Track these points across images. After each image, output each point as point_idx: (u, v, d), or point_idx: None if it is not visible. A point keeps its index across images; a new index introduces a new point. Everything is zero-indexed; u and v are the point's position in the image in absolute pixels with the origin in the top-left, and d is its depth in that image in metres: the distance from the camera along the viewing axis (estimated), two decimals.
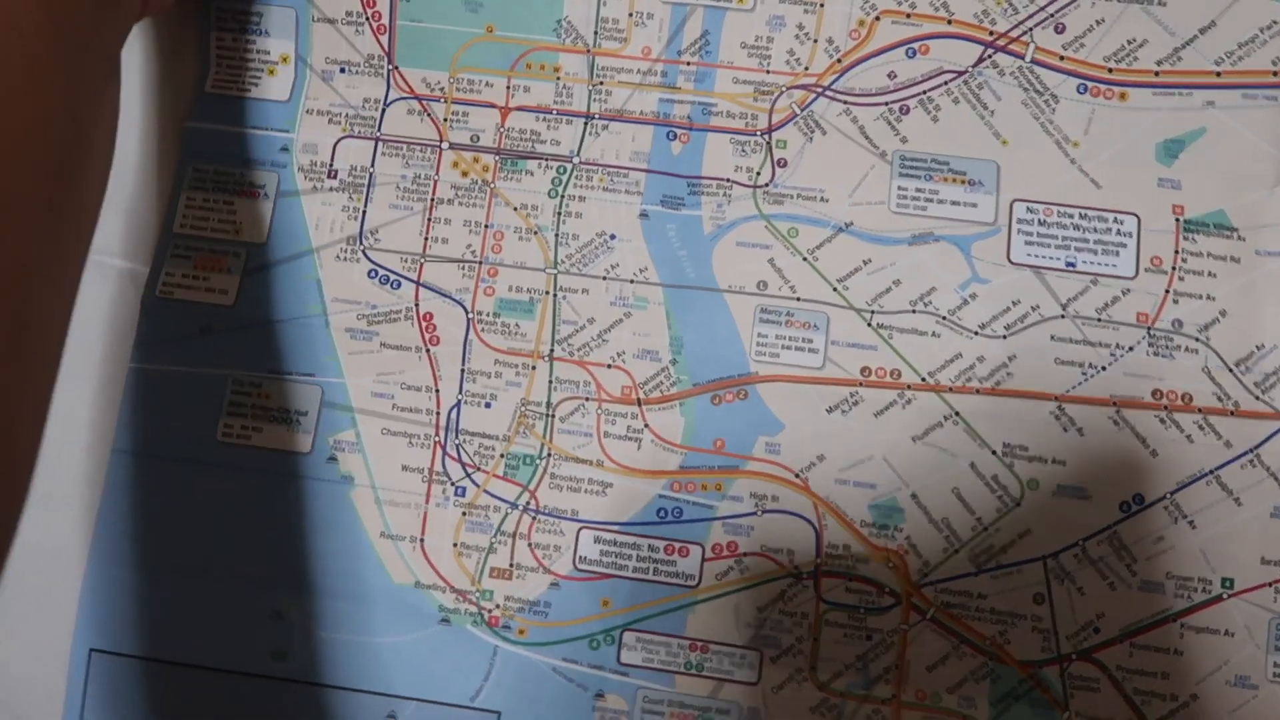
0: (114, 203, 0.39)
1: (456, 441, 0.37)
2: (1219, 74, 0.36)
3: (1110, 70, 0.36)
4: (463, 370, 0.37)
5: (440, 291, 0.38)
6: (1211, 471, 0.35)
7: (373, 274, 0.38)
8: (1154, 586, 0.35)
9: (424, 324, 0.37)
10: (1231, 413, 0.35)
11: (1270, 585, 0.35)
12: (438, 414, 0.37)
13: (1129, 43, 0.36)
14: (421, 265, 0.38)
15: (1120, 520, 0.35)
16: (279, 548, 0.37)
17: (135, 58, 0.39)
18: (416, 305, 0.38)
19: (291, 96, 0.39)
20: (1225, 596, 0.35)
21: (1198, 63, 0.36)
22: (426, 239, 0.38)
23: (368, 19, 0.38)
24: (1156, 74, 0.36)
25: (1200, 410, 0.35)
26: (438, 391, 0.37)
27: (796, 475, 0.36)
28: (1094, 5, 0.36)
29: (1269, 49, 0.35)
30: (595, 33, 0.38)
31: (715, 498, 0.36)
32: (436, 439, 0.37)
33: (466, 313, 0.37)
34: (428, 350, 0.37)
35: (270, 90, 0.39)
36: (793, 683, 0.36)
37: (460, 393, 0.37)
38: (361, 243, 0.38)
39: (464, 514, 0.37)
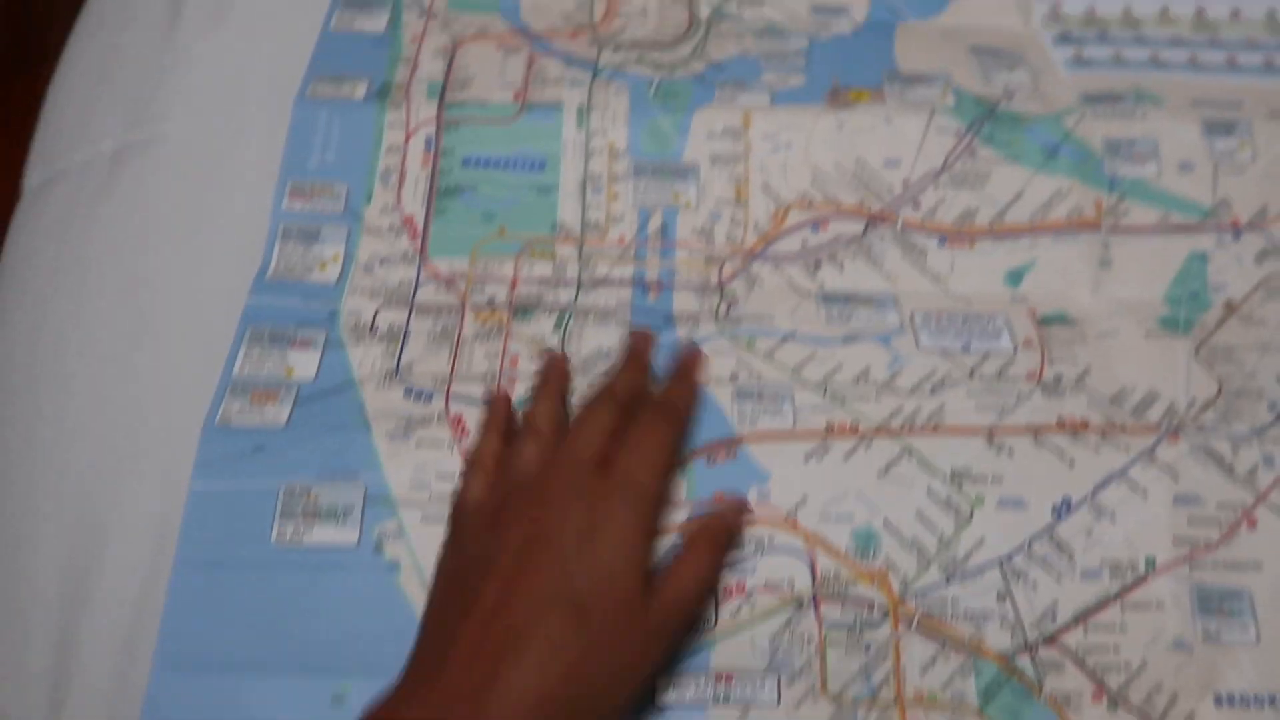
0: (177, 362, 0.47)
1: None
2: (1034, 225, 0.50)
3: (958, 228, 0.51)
4: None
5: (468, 399, 0.45)
6: (1120, 472, 0.43)
7: (407, 393, 0.45)
8: (1093, 574, 0.41)
9: (454, 424, 0.44)
10: (1123, 429, 0.44)
11: (1185, 561, 0.42)
12: None
13: (967, 210, 0.51)
14: (450, 383, 0.46)
15: (1055, 522, 0.42)
16: (335, 635, 0.40)
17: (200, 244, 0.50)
18: (447, 408, 0.45)
19: (339, 281, 0.49)
20: (1150, 575, 0.41)
21: (1018, 218, 0.51)
22: (454, 366, 0.46)
23: (405, 228, 0.50)
24: (991, 228, 0.51)
25: (1098, 429, 0.44)
26: None
27: (786, 516, 0.42)
28: (937, 188, 0.51)
29: (1062, 206, 0.51)
30: (582, 230, 0.51)
31: None
32: None
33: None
34: (458, 443, 0.44)
35: (321, 277, 0.49)
36: (809, 699, 0.39)
37: None
38: (398, 374, 0.46)
39: None
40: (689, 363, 0.45)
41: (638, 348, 0.45)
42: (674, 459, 0.41)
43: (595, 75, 0.55)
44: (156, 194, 0.52)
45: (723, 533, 0.39)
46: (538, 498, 0.37)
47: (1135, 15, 0.59)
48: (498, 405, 0.43)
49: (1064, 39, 0.57)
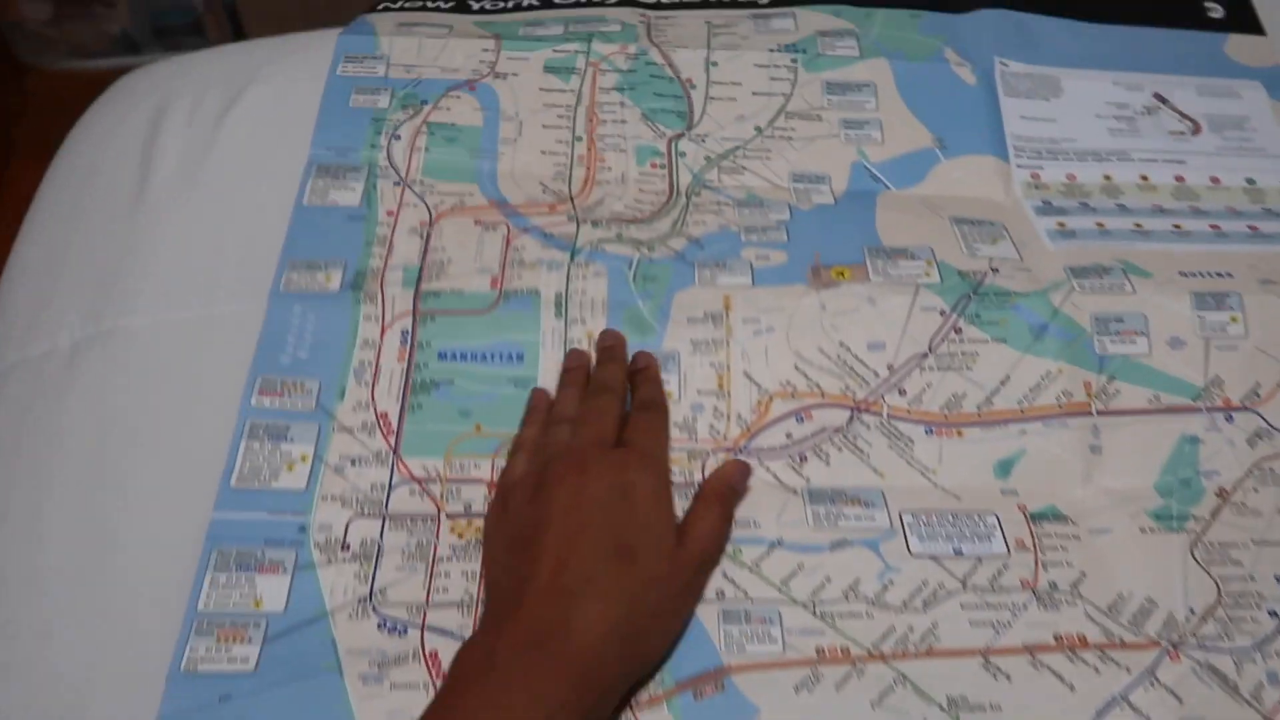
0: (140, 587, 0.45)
1: None
2: (1023, 411, 0.50)
3: (946, 416, 0.50)
4: None
5: (443, 630, 0.44)
6: (1121, 696, 0.41)
7: (381, 625, 0.44)
8: None
9: (430, 662, 0.43)
10: (1121, 645, 0.43)
11: None
12: None
13: (954, 396, 0.50)
14: (425, 613, 0.44)
15: None
16: None
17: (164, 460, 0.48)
18: (422, 645, 0.43)
19: (308, 486, 0.48)
20: None
21: (1006, 404, 0.50)
22: (429, 591, 0.45)
23: (379, 426, 0.50)
24: (979, 415, 0.50)
25: (1096, 646, 0.43)
26: None
27: None
28: (922, 373, 0.51)
29: (1051, 390, 0.50)
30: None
31: None
32: None
33: None
34: (434, 684, 0.42)
35: (288, 482, 0.48)
36: None
37: None
38: (371, 601, 0.45)
39: None
40: (651, 366, 0.51)
41: (615, 346, 0.52)
42: (668, 440, 0.49)
43: (573, 256, 0.55)
44: (116, 394, 0.51)
45: (728, 489, 0.47)
46: (575, 467, 0.44)
47: (1115, 183, 0.59)
48: (539, 399, 0.50)
49: (1046, 209, 0.57)
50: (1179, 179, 0.59)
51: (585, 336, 0.53)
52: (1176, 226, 0.56)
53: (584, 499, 0.42)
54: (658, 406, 0.49)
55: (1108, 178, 0.59)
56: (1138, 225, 0.56)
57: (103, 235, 0.56)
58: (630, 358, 0.52)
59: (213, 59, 0.67)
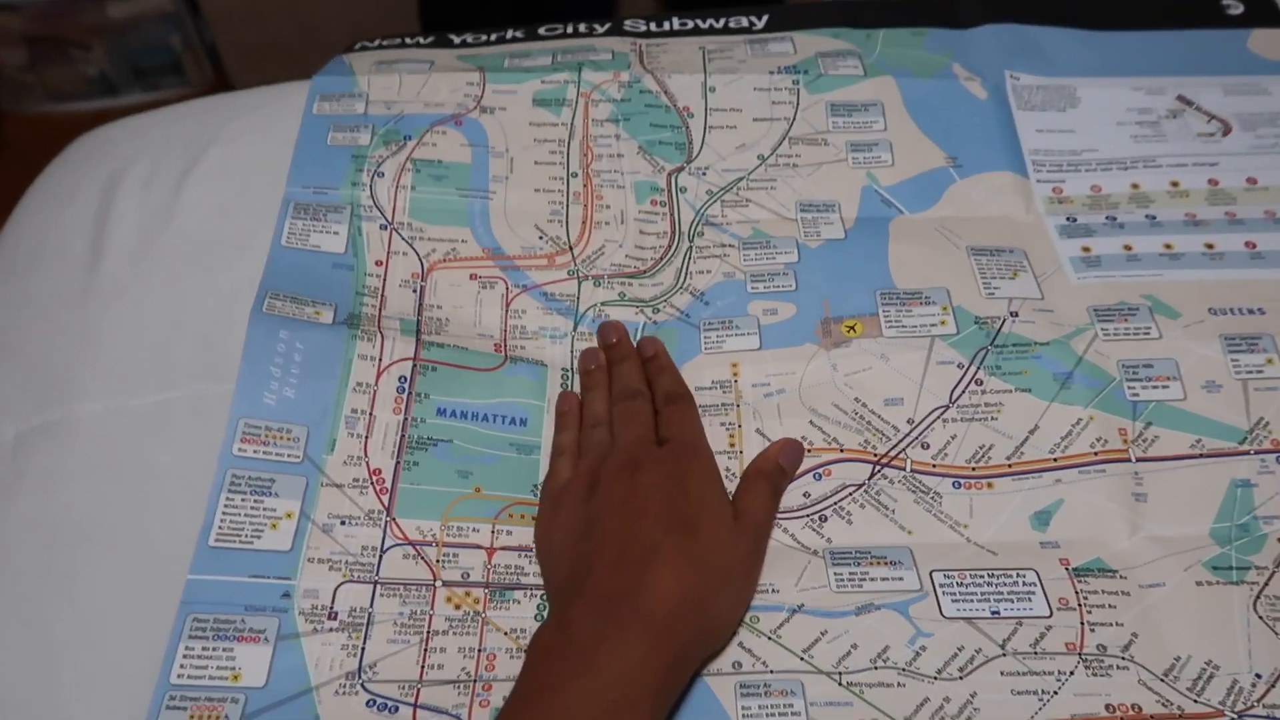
0: (101, 655, 0.42)
1: None
2: (1055, 459, 0.47)
3: (974, 469, 0.47)
4: None
5: (437, 709, 0.40)
6: None
7: (370, 703, 0.41)
8: None
9: None
10: (1180, 715, 0.40)
11: None
12: None
13: (981, 448, 0.48)
14: (419, 690, 0.41)
15: None
16: None
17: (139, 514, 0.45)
18: None
19: (293, 547, 0.44)
20: None
21: (1037, 454, 0.47)
22: (423, 667, 0.42)
23: (372, 484, 0.46)
24: (1010, 465, 0.47)
25: (1153, 717, 0.39)
26: None
27: None
28: (945, 425, 0.48)
29: (1084, 437, 0.47)
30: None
31: None
32: None
33: None
34: None
35: (272, 542, 0.44)
36: None
37: None
38: (360, 676, 0.41)
39: None
40: (660, 352, 0.51)
41: (622, 342, 0.52)
42: (701, 425, 0.49)
43: (576, 324, 0.53)
44: (66, 486, 0.47)
45: (774, 469, 0.47)
46: (627, 465, 0.45)
47: (1145, 191, 0.57)
48: (569, 405, 0.50)
49: (1070, 228, 0.55)
50: (1213, 182, 0.57)
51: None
52: (1209, 247, 0.54)
53: (640, 490, 0.44)
54: (682, 396, 0.49)
55: (1136, 186, 0.57)
56: (1168, 246, 0.54)
57: (51, 316, 0.52)
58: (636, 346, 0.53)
59: (170, 118, 0.63)
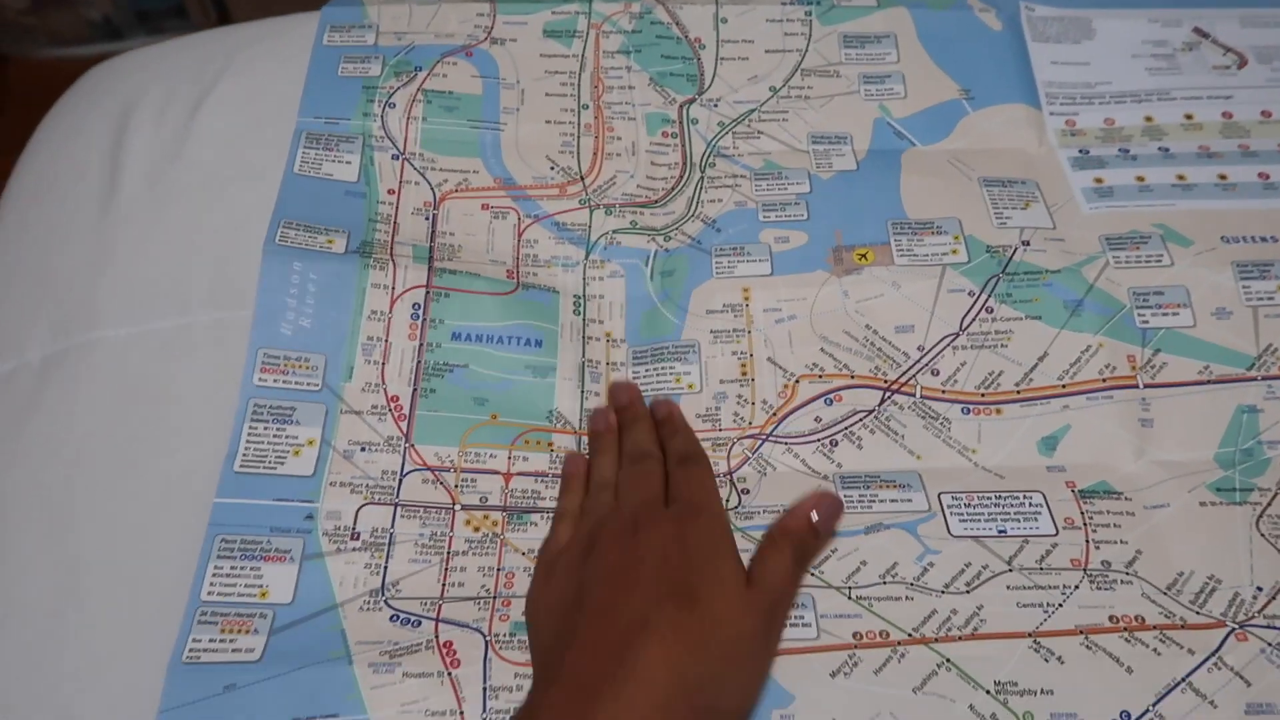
0: (128, 570, 0.44)
1: None
2: (1064, 385, 0.48)
3: (983, 394, 0.48)
4: (485, 689, 0.40)
5: (458, 623, 0.42)
6: (1183, 679, 0.40)
7: (394, 618, 0.42)
8: None
9: (444, 650, 0.41)
10: (1183, 625, 0.41)
11: None
12: None
13: (990, 374, 0.49)
14: (440, 606, 0.43)
15: None
16: None
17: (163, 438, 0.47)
18: (436, 636, 0.42)
19: (315, 472, 0.46)
20: None
21: (1045, 380, 0.48)
22: (444, 585, 0.44)
23: (390, 411, 0.48)
24: (1018, 392, 0.48)
25: (1155, 627, 0.41)
26: (462, 713, 0.40)
27: None
28: (955, 352, 0.49)
29: (1093, 364, 0.48)
30: (580, 419, 0.49)
31: None
32: None
33: (484, 636, 0.42)
34: (449, 674, 0.41)
35: (295, 467, 0.46)
36: None
37: (484, 711, 0.40)
38: (383, 594, 0.43)
39: None
40: (674, 414, 0.48)
41: (634, 404, 0.49)
42: (718, 491, 0.43)
43: (588, 253, 0.54)
44: (91, 407, 0.48)
45: (804, 528, 0.39)
46: (627, 528, 0.40)
47: (1158, 124, 0.57)
48: (575, 467, 0.47)
49: (1083, 160, 0.56)
50: (1227, 115, 0.57)
51: (604, 336, 0.51)
52: (1222, 178, 0.54)
53: (637, 554, 0.38)
54: (697, 458, 0.45)
55: (1149, 119, 0.57)
56: (1180, 178, 0.54)
57: (70, 245, 0.54)
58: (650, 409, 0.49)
59: (182, 49, 0.63)
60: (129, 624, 0.42)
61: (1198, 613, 0.42)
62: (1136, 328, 0.49)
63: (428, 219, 0.54)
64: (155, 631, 0.42)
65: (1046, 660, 0.40)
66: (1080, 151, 0.56)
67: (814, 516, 0.39)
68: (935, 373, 0.49)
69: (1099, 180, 0.55)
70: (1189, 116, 0.57)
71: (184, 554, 0.44)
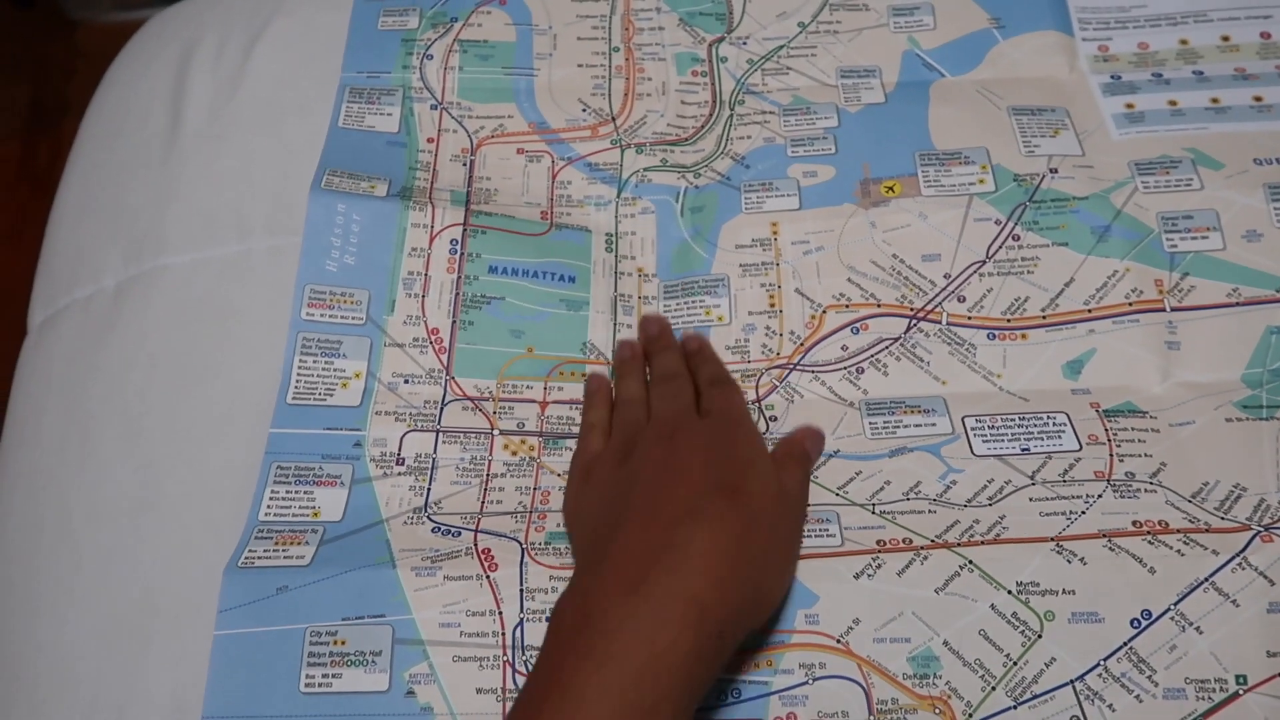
0: (198, 475, 0.48)
1: (524, 657, 0.42)
2: (1090, 310, 0.50)
3: (1009, 320, 0.50)
4: (522, 590, 0.44)
5: (496, 533, 0.46)
6: (1206, 579, 0.42)
7: (435, 529, 0.46)
8: (1176, 693, 0.40)
9: (483, 556, 0.45)
10: (1207, 529, 0.43)
11: (1279, 676, 0.40)
12: (503, 634, 0.43)
13: (1016, 300, 0.50)
14: (479, 520, 0.46)
15: (1134, 636, 0.41)
16: None
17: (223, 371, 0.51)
18: (475, 544, 0.45)
19: (362, 403, 0.50)
20: (1242, 693, 0.40)
21: (1071, 305, 0.50)
22: (483, 502, 0.47)
23: (431, 343, 0.51)
24: (1044, 317, 0.50)
25: (1180, 531, 0.43)
26: (501, 613, 0.43)
27: (837, 640, 0.42)
28: (981, 279, 0.51)
29: (1120, 288, 0.50)
30: (613, 351, 0.52)
31: (768, 674, 0.41)
32: (505, 658, 0.42)
33: (520, 544, 0.45)
34: (488, 577, 0.44)
35: (343, 399, 0.49)
36: None
37: (522, 611, 0.43)
38: (426, 511, 0.47)
39: None
40: (704, 346, 0.51)
41: (664, 334, 0.51)
42: (748, 409, 0.47)
43: (620, 191, 0.56)
44: (162, 327, 0.53)
45: (801, 453, 0.46)
46: (663, 433, 0.43)
47: (1193, 47, 0.58)
48: (598, 382, 0.50)
49: (1114, 85, 0.57)
50: (1265, 35, 0.57)
51: (635, 271, 0.54)
52: (1258, 99, 0.55)
53: (679, 451, 0.41)
54: (727, 380, 0.48)
55: (1184, 42, 0.58)
56: (1214, 101, 0.55)
57: (139, 180, 0.58)
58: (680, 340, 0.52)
59: None
60: (199, 523, 0.47)
61: (1223, 518, 0.43)
62: (1164, 252, 0.50)
63: (465, 165, 0.57)
64: (221, 529, 0.46)
65: (1069, 562, 0.42)
66: (1112, 77, 0.57)
67: (806, 445, 0.46)
68: (961, 299, 0.51)
69: (1130, 106, 0.56)
70: (1225, 38, 0.58)
71: (246, 462, 0.48)
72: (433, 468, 0.48)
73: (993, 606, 0.42)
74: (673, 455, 0.41)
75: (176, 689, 0.43)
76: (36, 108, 1.34)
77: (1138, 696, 0.40)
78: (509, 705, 0.41)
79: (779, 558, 0.41)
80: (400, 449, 0.48)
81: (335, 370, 0.50)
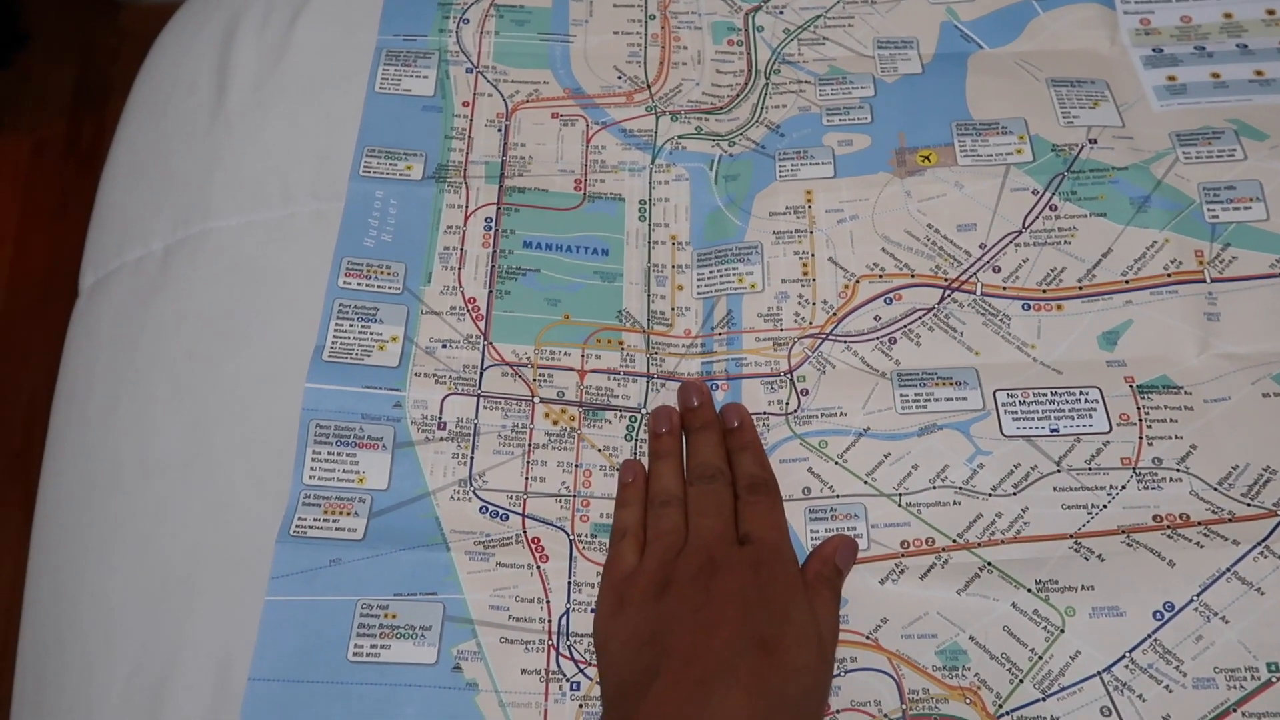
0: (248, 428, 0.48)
1: (568, 643, 0.42)
2: (1127, 281, 0.48)
3: (1044, 291, 0.48)
4: (569, 582, 0.44)
5: (543, 520, 0.45)
6: (1229, 569, 0.40)
7: (483, 510, 0.46)
8: (1206, 683, 0.39)
9: (533, 546, 0.45)
10: (1230, 519, 0.42)
11: None
12: (549, 621, 0.43)
13: (1052, 270, 0.48)
14: (525, 501, 0.46)
15: (1158, 628, 0.40)
16: None
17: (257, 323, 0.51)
18: (524, 532, 0.45)
19: (400, 364, 0.48)
20: (1275, 680, 0.39)
21: (1109, 276, 0.48)
22: (527, 479, 0.46)
23: (468, 311, 0.50)
24: (1080, 288, 0.48)
25: (1200, 523, 0.42)
26: (548, 602, 0.43)
27: (867, 637, 0.42)
28: (1017, 249, 0.49)
29: (1159, 259, 0.48)
30: (648, 320, 0.51)
31: None
32: (550, 643, 0.42)
33: (568, 535, 0.45)
34: (539, 567, 0.44)
35: (381, 359, 0.48)
36: None
37: (569, 601, 0.43)
38: (471, 484, 0.46)
39: (580, 706, 0.41)
40: (745, 422, 0.48)
41: (704, 407, 0.48)
42: (787, 525, 0.45)
43: (654, 158, 0.54)
44: (209, 289, 0.52)
45: (832, 571, 0.43)
46: (705, 567, 0.41)
47: (1238, 20, 0.55)
48: (633, 475, 0.47)
49: (1156, 58, 0.54)
50: None
51: (669, 239, 0.52)
52: None
53: (716, 595, 0.39)
54: (767, 486, 0.45)
55: (1228, 15, 0.55)
56: (1259, 73, 0.52)
57: (187, 145, 0.58)
58: (720, 412, 0.48)
59: None
60: (245, 480, 0.47)
61: (1249, 505, 0.42)
62: (1205, 223, 0.48)
63: (500, 130, 0.55)
64: (262, 514, 0.46)
65: (1086, 559, 0.42)
66: (1154, 50, 0.54)
67: (837, 561, 0.43)
68: (996, 270, 0.49)
69: (1171, 78, 0.53)
70: (1271, 11, 0.55)
71: (287, 420, 0.47)
72: (475, 434, 0.47)
73: (1014, 604, 0.41)
74: (709, 602, 0.39)
75: (223, 648, 0.43)
76: (82, 88, 1.32)
77: (1167, 686, 0.39)
78: (551, 687, 0.42)
79: (814, 708, 0.39)
80: (441, 412, 0.48)
81: (372, 334, 0.49)
